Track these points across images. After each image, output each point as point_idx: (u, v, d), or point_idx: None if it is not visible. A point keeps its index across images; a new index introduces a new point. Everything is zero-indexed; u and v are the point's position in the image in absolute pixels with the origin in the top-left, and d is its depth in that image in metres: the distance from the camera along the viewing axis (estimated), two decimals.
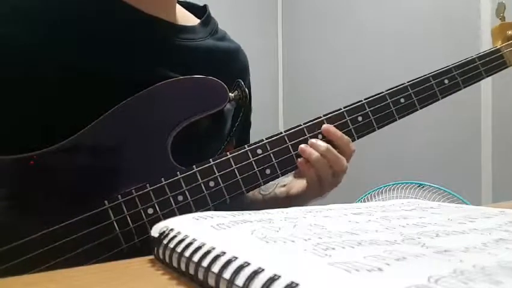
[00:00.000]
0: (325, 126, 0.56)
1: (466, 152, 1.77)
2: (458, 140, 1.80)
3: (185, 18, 0.64)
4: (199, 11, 0.67)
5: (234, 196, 0.51)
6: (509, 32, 0.71)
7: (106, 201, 0.46)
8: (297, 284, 0.17)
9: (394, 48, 2.06)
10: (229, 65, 0.65)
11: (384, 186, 1.46)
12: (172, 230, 0.27)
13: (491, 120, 1.71)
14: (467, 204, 1.23)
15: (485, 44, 1.71)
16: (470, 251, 0.22)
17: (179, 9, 0.63)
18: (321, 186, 0.57)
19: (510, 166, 1.65)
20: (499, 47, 0.69)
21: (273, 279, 0.18)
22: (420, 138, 1.81)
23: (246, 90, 0.58)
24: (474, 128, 1.74)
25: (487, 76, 0.66)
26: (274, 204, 0.65)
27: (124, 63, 0.53)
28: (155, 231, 0.28)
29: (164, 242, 0.27)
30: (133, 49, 0.54)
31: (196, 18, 0.66)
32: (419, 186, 1.44)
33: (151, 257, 0.29)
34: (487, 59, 0.67)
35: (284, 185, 0.66)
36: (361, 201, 1.45)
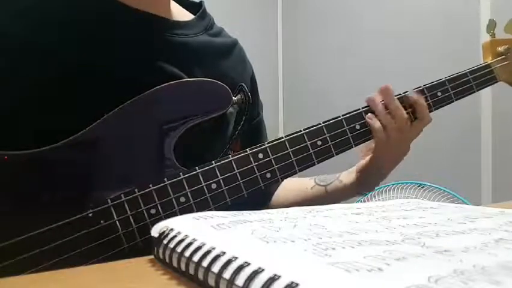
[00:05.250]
0: (406, 94, 0.62)
1: (466, 152, 1.78)
2: (458, 140, 1.80)
3: (179, 14, 0.64)
4: (195, 8, 0.67)
5: (235, 199, 0.51)
6: (499, 49, 0.73)
7: (108, 200, 0.46)
8: (297, 284, 0.17)
9: (394, 48, 2.06)
10: (224, 60, 0.64)
11: (384, 186, 1.46)
12: (172, 230, 0.27)
13: (491, 120, 1.71)
14: (467, 204, 1.23)
15: None
16: (470, 251, 0.22)
17: (173, 5, 0.64)
18: (389, 145, 0.61)
19: (510, 166, 1.65)
20: (489, 62, 0.71)
21: (273, 279, 0.18)
22: (420, 138, 1.81)
23: (249, 94, 0.58)
24: (474, 128, 1.74)
25: (478, 90, 0.68)
26: (341, 191, 0.70)
27: (124, 62, 0.53)
28: (155, 231, 0.28)
29: (164, 242, 0.27)
30: (132, 47, 0.55)
31: (191, 15, 0.66)
32: (419, 186, 1.44)
33: (151, 257, 0.29)
34: (478, 73, 0.68)
35: (348, 172, 0.70)
36: (361, 201, 1.45)
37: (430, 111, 0.64)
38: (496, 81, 0.71)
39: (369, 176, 0.67)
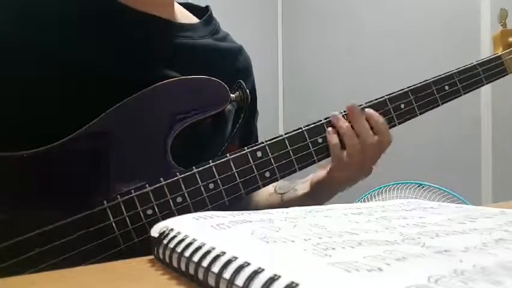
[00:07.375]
0: (367, 109, 0.57)
1: (466, 152, 1.78)
2: (458, 140, 1.80)
3: (185, 17, 0.64)
4: (201, 12, 0.67)
5: (233, 199, 0.50)
6: (510, 39, 0.70)
7: (104, 201, 0.46)
8: (297, 284, 0.17)
9: (394, 48, 2.06)
10: (228, 65, 0.64)
11: (384, 186, 1.46)
12: (172, 230, 0.27)
13: (491, 120, 1.71)
14: (467, 204, 1.23)
15: (485, 45, 1.71)
16: (470, 251, 0.22)
17: (179, 8, 0.64)
18: (348, 165, 0.56)
19: (510, 166, 1.65)
20: (499, 54, 0.68)
21: (273, 279, 0.18)
22: (420, 138, 1.81)
23: (247, 91, 0.58)
24: (474, 128, 1.74)
25: (487, 83, 0.66)
26: (295, 201, 0.64)
27: (124, 62, 0.53)
28: (155, 231, 0.28)
29: (164, 242, 0.27)
30: (133, 48, 0.55)
31: (196, 19, 0.66)
32: (419, 186, 1.44)
33: (151, 257, 0.29)
34: (488, 66, 0.66)
35: (305, 181, 0.65)
36: (361, 201, 1.45)
37: (437, 106, 0.62)
38: (506, 74, 0.68)
39: (323, 190, 0.63)
